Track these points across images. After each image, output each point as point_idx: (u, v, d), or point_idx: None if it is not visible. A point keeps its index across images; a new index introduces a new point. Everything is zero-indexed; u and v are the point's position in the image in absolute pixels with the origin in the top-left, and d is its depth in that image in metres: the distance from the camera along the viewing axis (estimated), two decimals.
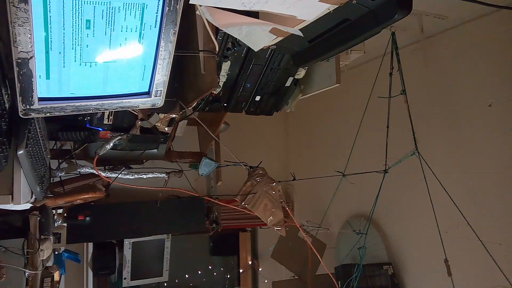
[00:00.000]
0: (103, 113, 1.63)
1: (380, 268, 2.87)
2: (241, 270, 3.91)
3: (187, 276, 3.79)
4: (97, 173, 1.75)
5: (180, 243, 3.52)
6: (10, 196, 1.19)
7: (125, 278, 2.99)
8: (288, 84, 1.96)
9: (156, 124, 1.75)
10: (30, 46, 0.87)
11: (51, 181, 1.78)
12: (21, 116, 0.99)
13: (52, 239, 1.70)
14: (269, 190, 1.86)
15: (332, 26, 1.37)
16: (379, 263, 2.90)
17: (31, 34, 0.86)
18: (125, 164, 2.03)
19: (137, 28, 0.99)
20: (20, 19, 0.82)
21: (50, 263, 1.82)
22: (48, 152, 1.62)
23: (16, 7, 0.80)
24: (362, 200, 3.05)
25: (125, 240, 2.94)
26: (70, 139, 1.74)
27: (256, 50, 1.47)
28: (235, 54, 1.66)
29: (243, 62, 1.73)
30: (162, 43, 1.05)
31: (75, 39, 0.93)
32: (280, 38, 1.37)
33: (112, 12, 0.93)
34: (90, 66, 1.01)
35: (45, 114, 1.03)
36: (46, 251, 1.60)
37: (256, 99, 1.96)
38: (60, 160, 1.91)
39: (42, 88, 0.98)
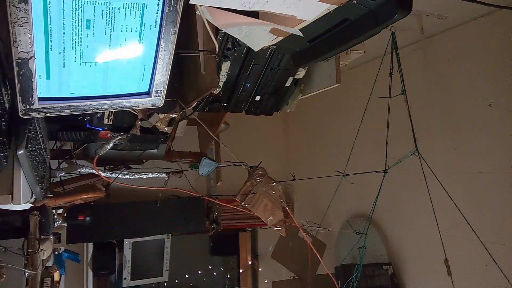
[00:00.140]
0: (103, 113, 1.63)
1: (380, 268, 2.87)
2: (241, 270, 3.90)
3: (187, 276, 3.79)
4: (97, 173, 1.75)
5: (180, 243, 3.52)
6: (10, 196, 1.19)
7: (125, 278, 2.99)
8: (288, 84, 1.96)
9: (156, 124, 1.75)
10: (30, 46, 0.87)
11: (51, 181, 1.78)
12: (21, 116, 0.99)
13: (52, 239, 1.70)
14: (269, 190, 1.86)
15: (332, 26, 1.37)
16: (379, 263, 2.90)
17: (31, 34, 0.86)
18: (125, 164, 2.03)
19: (137, 28, 0.99)
20: (20, 19, 0.82)
21: (50, 263, 1.82)
22: (48, 152, 1.62)
23: (16, 7, 0.81)
24: (362, 200, 3.05)
25: (125, 240, 2.94)
26: (70, 139, 1.74)
27: (256, 50, 1.47)
28: (235, 54, 1.66)
29: (243, 62, 1.73)
30: (162, 43, 1.05)
31: (75, 39, 0.93)
32: (280, 38, 1.37)
33: (112, 12, 0.93)
34: (90, 66, 1.01)
35: (45, 114, 1.03)
36: (46, 251, 1.60)
37: (256, 99, 1.96)
38: (60, 160, 1.91)
39: (42, 88, 0.98)
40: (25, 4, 0.81)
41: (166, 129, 1.85)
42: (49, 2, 0.84)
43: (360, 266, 2.41)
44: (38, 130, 1.31)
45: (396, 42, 2.15)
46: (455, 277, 2.18)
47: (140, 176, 1.93)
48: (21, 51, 0.87)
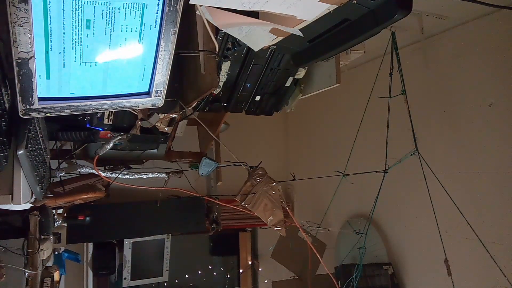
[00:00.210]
0: (103, 113, 1.63)
1: (380, 268, 2.87)
2: (241, 270, 3.91)
3: (187, 276, 3.79)
4: (97, 173, 1.75)
5: (180, 243, 3.52)
6: (10, 196, 1.19)
7: (125, 278, 2.99)
8: (288, 84, 1.96)
9: (156, 124, 1.75)
10: (30, 46, 0.87)
11: (51, 181, 1.78)
12: (21, 116, 0.99)
13: (52, 239, 1.70)
14: (269, 190, 1.86)
15: (332, 26, 1.37)
16: (379, 263, 2.90)
17: (31, 34, 0.86)
18: (125, 164, 2.03)
19: (137, 28, 0.99)
20: (20, 19, 0.82)
21: (50, 263, 1.82)
22: (48, 152, 1.62)
23: (16, 7, 0.81)
24: (362, 200, 3.05)
25: (125, 240, 2.94)
26: (70, 139, 1.74)
27: (256, 50, 1.47)
28: (235, 54, 1.66)
29: (243, 62, 1.73)
30: (162, 43, 1.05)
31: (75, 39, 0.93)
32: (280, 38, 1.37)
33: (112, 12, 0.93)
34: (90, 66, 1.01)
35: (45, 114, 1.03)
36: (46, 251, 1.60)
37: (256, 99, 1.96)
38: (60, 160, 1.91)
39: (42, 88, 0.98)
40: (25, 4, 0.81)
41: (166, 129, 1.85)
42: (49, 2, 0.84)
43: (360, 266, 2.41)
44: (38, 130, 1.31)
45: (396, 42, 2.15)
46: (455, 277, 2.18)
47: (140, 176, 1.93)
48: (21, 51, 0.87)
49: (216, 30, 1.43)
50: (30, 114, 1.00)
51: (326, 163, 3.45)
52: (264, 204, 1.85)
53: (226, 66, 1.69)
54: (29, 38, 0.86)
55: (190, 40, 1.45)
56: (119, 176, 1.88)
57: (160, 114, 1.71)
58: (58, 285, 1.98)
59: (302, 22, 1.21)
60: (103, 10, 0.91)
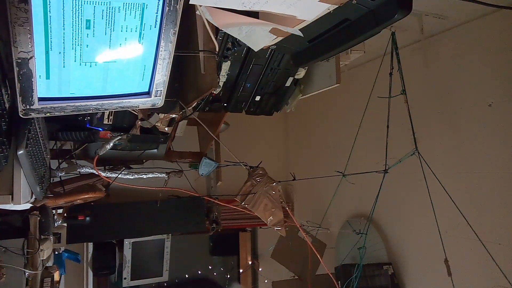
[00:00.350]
0: (103, 113, 1.63)
1: (380, 268, 2.87)
2: (241, 270, 3.91)
3: (187, 276, 3.79)
4: (97, 173, 1.75)
5: (180, 243, 3.52)
6: (10, 196, 1.19)
7: (125, 278, 2.99)
8: (288, 84, 1.96)
9: (156, 124, 1.75)
10: (30, 46, 0.87)
11: (51, 181, 1.78)
12: (21, 116, 0.99)
13: (52, 239, 1.70)
14: (269, 190, 1.86)
15: (332, 26, 1.37)
16: (379, 263, 2.90)
17: (31, 34, 0.86)
18: (125, 164, 2.03)
19: (137, 28, 0.99)
20: (20, 19, 0.82)
21: (50, 263, 1.82)
22: (48, 152, 1.62)
23: (16, 7, 0.80)
24: (362, 200, 3.05)
25: (125, 240, 2.94)
26: (70, 139, 1.74)
27: (256, 50, 1.47)
28: (235, 54, 1.66)
29: (243, 62, 1.73)
30: (162, 43, 1.05)
31: (75, 39, 0.93)
32: (280, 38, 1.37)
33: (112, 12, 0.93)
34: (90, 66, 1.01)
35: (45, 114, 1.03)
36: (46, 251, 1.60)
37: (256, 99, 1.96)
38: (60, 160, 1.91)
39: (42, 88, 0.98)
40: (25, 4, 0.81)
41: (166, 129, 1.85)
42: (49, 2, 0.84)
43: (360, 266, 2.41)
44: (38, 130, 1.31)
45: (396, 42, 2.15)
46: (455, 277, 2.18)
47: (140, 176, 1.93)
48: (21, 51, 0.87)
49: (216, 30, 1.43)
50: (30, 114, 1.00)
51: (326, 163, 3.45)
52: (264, 204, 1.85)
53: (226, 66, 1.69)
54: (29, 38, 0.86)
55: (190, 40, 1.45)
56: (119, 176, 1.88)
57: (160, 114, 1.71)
58: (58, 285, 1.98)
59: (302, 22, 1.21)
60: (103, 10, 0.91)
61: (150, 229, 2.89)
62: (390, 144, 2.19)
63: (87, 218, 2.06)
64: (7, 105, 1.06)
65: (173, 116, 1.75)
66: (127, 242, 2.95)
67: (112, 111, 1.64)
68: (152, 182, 1.98)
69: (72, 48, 0.95)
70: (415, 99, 2.24)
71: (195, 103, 1.69)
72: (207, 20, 1.30)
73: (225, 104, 1.94)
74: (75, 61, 0.97)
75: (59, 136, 1.66)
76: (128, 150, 1.87)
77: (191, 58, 1.51)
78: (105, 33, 0.96)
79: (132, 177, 1.91)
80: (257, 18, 1.22)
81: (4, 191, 1.19)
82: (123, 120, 1.70)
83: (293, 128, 4.26)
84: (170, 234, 3.10)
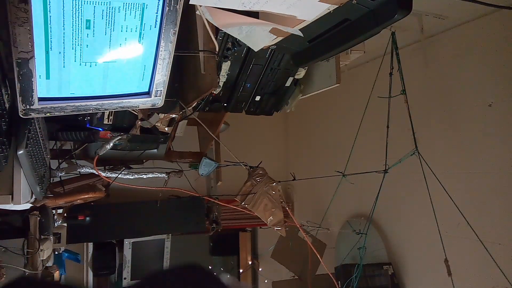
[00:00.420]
0: (103, 113, 1.63)
1: (380, 268, 2.87)
2: (241, 270, 3.91)
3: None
4: (97, 173, 1.75)
5: (180, 243, 3.52)
6: (10, 196, 1.19)
7: (125, 278, 2.99)
8: (288, 84, 1.96)
9: (156, 124, 1.75)
10: (30, 46, 0.87)
11: (51, 181, 1.78)
12: (21, 116, 0.99)
13: (52, 239, 1.70)
14: (269, 190, 1.86)
15: (332, 26, 1.37)
16: (379, 263, 2.90)
17: (31, 34, 0.86)
18: (125, 164, 2.03)
19: (137, 28, 0.99)
20: (20, 19, 0.82)
21: (50, 263, 1.82)
22: (48, 152, 1.62)
23: (16, 7, 0.80)
24: (362, 200, 3.05)
25: (125, 240, 2.94)
26: (70, 139, 1.74)
27: (256, 50, 1.47)
28: (235, 54, 1.66)
29: (243, 62, 1.73)
30: (162, 43, 1.05)
31: (75, 39, 0.93)
32: (280, 38, 1.37)
33: (112, 12, 0.93)
34: (90, 66, 1.01)
35: (45, 114, 1.03)
36: (46, 251, 1.60)
37: (256, 99, 1.96)
38: (60, 160, 1.91)
39: (42, 88, 0.98)
40: (25, 4, 0.81)
41: (166, 129, 1.85)
42: (49, 2, 0.84)
43: (360, 266, 2.41)
44: (38, 130, 1.31)
45: (396, 42, 2.15)
46: (455, 277, 2.18)
47: (140, 176, 1.93)
48: (21, 51, 0.87)
49: (216, 30, 1.43)
50: (30, 114, 1.00)
51: (326, 163, 3.44)
52: (264, 204, 1.85)
53: (226, 66, 1.69)
54: (29, 38, 0.86)
55: (190, 40, 1.45)
56: (119, 176, 1.88)
57: (160, 114, 1.71)
58: None
59: (302, 22, 1.21)
60: (103, 10, 0.91)
61: (150, 229, 2.89)
62: (390, 144, 2.19)
63: (87, 218, 2.06)
64: (7, 105, 1.06)
65: (173, 116, 1.75)
66: (127, 242, 2.95)
67: (112, 111, 1.64)
68: (152, 182, 1.98)
69: (72, 48, 0.95)
70: (415, 99, 2.24)
71: (195, 103, 1.69)
72: (207, 20, 1.30)
73: (225, 104, 1.94)
74: (75, 61, 0.97)
75: (59, 136, 1.66)
76: (128, 150, 1.87)
77: (191, 58, 1.51)
78: (105, 33, 0.96)
79: (132, 177, 1.91)
80: (257, 18, 1.22)
81: (4, 191, 1.19)
82: (123, 120, 1.70)
83: (293, 128, 4.26)
84: (170, 234, 3.10)
